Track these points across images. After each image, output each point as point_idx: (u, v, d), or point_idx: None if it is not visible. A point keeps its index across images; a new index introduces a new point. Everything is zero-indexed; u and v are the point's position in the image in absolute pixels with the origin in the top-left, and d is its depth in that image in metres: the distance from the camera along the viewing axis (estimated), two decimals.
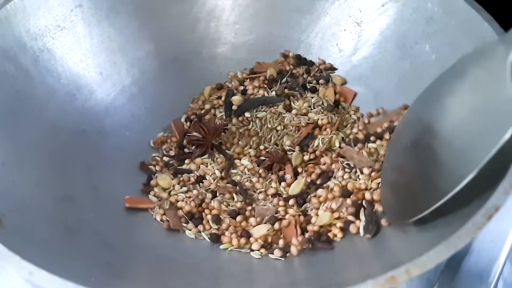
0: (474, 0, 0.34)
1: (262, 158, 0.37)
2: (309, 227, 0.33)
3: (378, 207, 0.33)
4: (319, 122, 0.38)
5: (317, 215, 0.33)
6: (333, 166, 0.36)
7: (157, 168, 0.38)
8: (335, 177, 0.35)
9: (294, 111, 0.40)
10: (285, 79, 0.41)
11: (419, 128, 0.31)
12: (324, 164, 0.36)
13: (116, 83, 0.40)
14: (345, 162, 0.36)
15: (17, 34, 0.35)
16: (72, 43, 0.38)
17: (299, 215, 0.34)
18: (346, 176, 0.35)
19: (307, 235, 0.33)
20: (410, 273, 0.22)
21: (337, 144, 0.37)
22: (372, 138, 0.37)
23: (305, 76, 0.42)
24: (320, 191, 0.34)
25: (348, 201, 0.33)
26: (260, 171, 0.37)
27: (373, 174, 0.35)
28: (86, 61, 0.39)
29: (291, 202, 0.34)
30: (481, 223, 0.23)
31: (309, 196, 0.35)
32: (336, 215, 0.33)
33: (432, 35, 0.37)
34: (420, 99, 0.34)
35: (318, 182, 0.35)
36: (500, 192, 0.24)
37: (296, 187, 0.35)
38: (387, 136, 0.37)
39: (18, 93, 0.34)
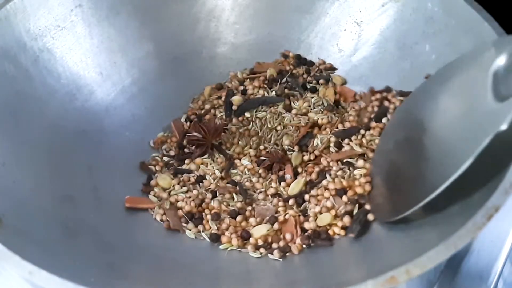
0: (474, 0, 0.34)
1: (262, 158, 0.37)
2: (309, 226, 0.33)
3: (368, 204, 0.33)
4: (319, 122, 0.38)
5: (315, 214, 0.33)
6: (331, 164, 0.36)
7: (157, 168, 0.38)
8: (330, 175, 0.35)
9: (294, 111, 0.40)
10: (285, 79, 0.41)
11: (411, 126, 0.32)
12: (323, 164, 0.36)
13: (116, 83, 0.40)
14: (344, 160, 0.36)
15: (17, 34, 0.35)
16: (72, 43, 0.38)
17: (299, 215, 0.34)
18: (340, 173, 0.35)
19: (306, 234, 0.33)
20: (410, 273, 0.22)
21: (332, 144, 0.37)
22: (361, 131, 0.37)
23: (305, 76, 0.42)
24: (315, 190, 0.35)
25: (345, 198, 0.34)
26: (260, 171, 0.37)
27: (368, 166, 0.35)
28: (86, 61, 0.39)
29: (290, 202, 0.34)
30: (481, 223, 0.23)
31: (307, 196, 0.35)
32: (333, 212, 0.33)
33: (432, 35, 0.37)
34: (413, 97, 0.34)
35: (316, 181, 0.35)
36: (500, 192, 0.24)
37: (295, 187, 0.35)
38: (373, 124, 0.37)
39: (18, 93, 0.34)
